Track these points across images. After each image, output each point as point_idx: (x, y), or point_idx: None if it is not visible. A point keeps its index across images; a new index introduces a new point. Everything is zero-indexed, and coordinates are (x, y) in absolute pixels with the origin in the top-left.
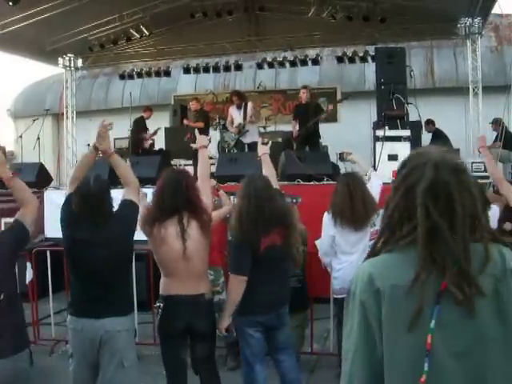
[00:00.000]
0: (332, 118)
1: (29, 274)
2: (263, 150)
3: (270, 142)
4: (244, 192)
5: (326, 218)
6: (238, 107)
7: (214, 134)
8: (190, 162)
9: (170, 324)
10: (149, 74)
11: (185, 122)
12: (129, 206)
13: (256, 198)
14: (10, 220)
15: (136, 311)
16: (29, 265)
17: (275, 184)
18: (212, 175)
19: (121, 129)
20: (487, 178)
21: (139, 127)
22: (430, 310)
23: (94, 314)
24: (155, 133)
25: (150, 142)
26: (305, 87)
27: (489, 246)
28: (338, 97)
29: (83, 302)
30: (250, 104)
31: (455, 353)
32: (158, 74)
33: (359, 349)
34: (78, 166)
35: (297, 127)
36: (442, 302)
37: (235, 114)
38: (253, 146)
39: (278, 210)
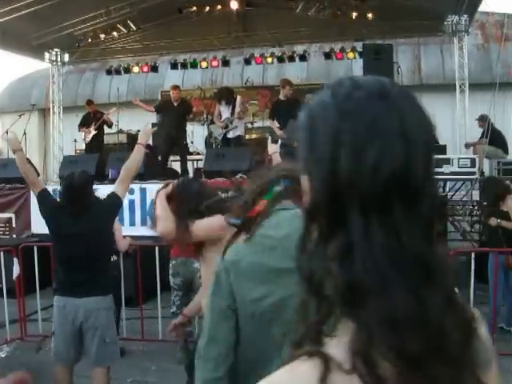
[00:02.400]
0: None
1: (16, 270)
2: (273, 149)
3: (280, 141)
4: None
5: None
6: (227, 103)
7: (202, 130)
8: (177, 157)
9: None
10: (136, 70)
11: (134, 101)
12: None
13: None
14: (2, 216)
15: (124, 307)
16: (16, 260)
17: None
18: (199, 170)
19: None
20: (473, 174)
21: (80, 124)
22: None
23: (77, 294)
24: (99, 125)
25: (91, 135)
26: (291, 84)
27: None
28: None
29: (67, 285)
30: (239, 98)
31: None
32: (145, 69)
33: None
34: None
35: (277, 125)
36: None
37: (223, 109)
38: (237, 141)
39: None
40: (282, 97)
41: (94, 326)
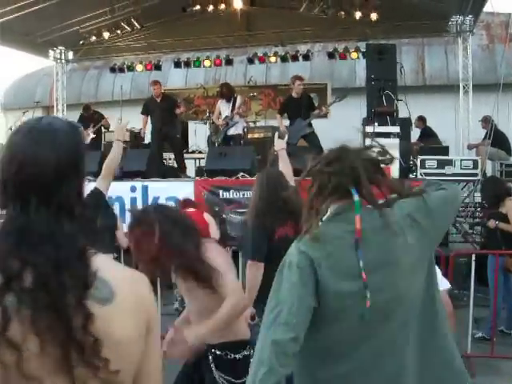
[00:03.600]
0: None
1: None
2: (280, 145)
3: (287, 136)
4: (258, 181)
5: None
6: (228, 100)
7: (204, 128)
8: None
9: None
10: (139, 68)
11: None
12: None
13: (268, 185)
14: (2, 212)
15: None
16: None
17: (291, 181)
18: (201, 169)
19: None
20: (475, 175)
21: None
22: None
23: None
24: (97, 127)
25: (90, 137)
26: (301, 78)
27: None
28: (329, 93)
29: None
30: (239, 97)
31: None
32: (148, 67)
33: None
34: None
35: (285, 122)
36: (360, 247)
37: (224, 107)
38: (238, 139)
39: (292, 203)
40: (294, 94)
41: None
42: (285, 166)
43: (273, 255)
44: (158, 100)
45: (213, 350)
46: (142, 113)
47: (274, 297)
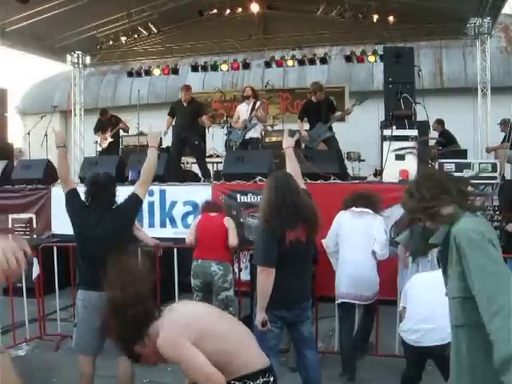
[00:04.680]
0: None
1: (35, 270)
2: (288, 143)
3: (297, 135)
4: (267, 185)
5: None
6: (248, 103)
7: (222, 132)
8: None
9: None
10: (157, 72)
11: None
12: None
13: (277, 188)
14: (18, 216)
15: None
16: (35, 261)
17: (299, 180)
18: (219, 173)
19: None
20: (494, 178)
21: (96, 129)
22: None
23: (100, 288)
24: (114, 131)
25: (108, 141)
26: (321, 89)
27: None
28: (347, 96)
29: (91, 279)
30: (258, 102)
31: None
32: (166, 71)
33: None
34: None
35: (305, 126)
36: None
37: (243, 111)
38: (254, 142)
39: (303, 206)
40: (313, 99)
41: None
42: (291, 165)
43: (284, 259)
44: (185, 104)
45: (232, 382)
46: (168, 114)
47: (485, 275)
